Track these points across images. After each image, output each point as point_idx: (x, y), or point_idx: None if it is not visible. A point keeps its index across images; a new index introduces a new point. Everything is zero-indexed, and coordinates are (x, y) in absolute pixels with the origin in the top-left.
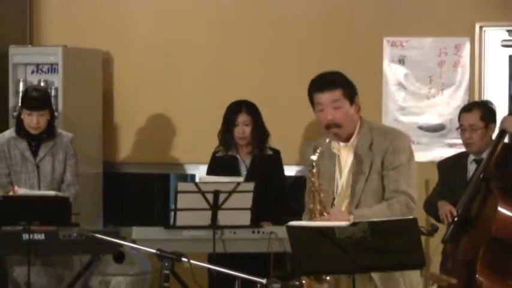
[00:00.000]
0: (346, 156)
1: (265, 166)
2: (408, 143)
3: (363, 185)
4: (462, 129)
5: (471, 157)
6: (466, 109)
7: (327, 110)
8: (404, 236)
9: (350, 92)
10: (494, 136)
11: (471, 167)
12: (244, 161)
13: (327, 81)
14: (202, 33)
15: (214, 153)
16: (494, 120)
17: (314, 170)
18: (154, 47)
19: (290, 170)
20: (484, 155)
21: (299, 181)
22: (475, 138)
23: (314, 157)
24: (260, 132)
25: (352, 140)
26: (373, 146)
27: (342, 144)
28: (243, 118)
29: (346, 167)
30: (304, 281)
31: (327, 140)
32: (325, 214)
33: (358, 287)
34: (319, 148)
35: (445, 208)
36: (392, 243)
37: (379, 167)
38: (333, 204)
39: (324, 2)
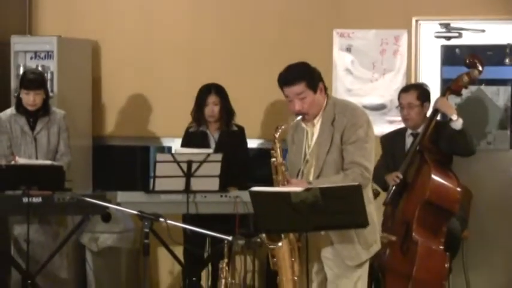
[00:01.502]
0: (312, 131)
1: (231, 140)
2: (365, 118)
3: (325, 157)
4: (401, 107)
5: (409, 131)
6: (405, 90)
7: (294, 101)
8: (350, 200)
9: (312, 82)
10: (428, 114)
11: (409, 140)
12: (213, 136)
13: (290, 77)
14: (177, 26)
15: (187, 129)
16: (428, 100)
17: (277, 146)
18: (136, 38)
19: (253, 143)
20: (420, 130)
21: (260, 152)
22: (412, 114)
23: (276, 135)
24: (227, 111)
25: (318, 117)
26: (335, 121)
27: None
28: (212, 99)
29: (312, 140)
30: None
31: (298, 118)
32: (286, 183)
33: (314, 240)
34: (282, 126)
35: (392, 175)
36: (339, 206)
37: (339, 141)
38: (299, 172)
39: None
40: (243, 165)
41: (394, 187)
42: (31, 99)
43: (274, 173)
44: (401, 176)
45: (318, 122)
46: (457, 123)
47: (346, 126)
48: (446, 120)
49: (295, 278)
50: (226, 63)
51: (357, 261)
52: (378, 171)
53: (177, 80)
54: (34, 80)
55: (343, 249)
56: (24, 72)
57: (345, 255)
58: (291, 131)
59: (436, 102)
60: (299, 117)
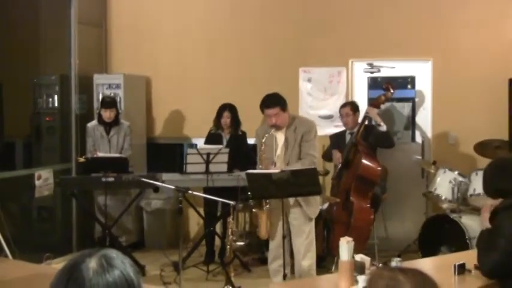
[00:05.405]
0: (280, 136)
1: (237, 140)
2: (314, 127)
3: (290, 152)
4: (341, 116)
5: (348, 132)
6: (343, 105)
7: (271, 117)
8: (310, 177)
9: (284, 106)
10: (359, 119)
11: (348, 137)
12: (226, 137)
13: (271, 102)
14: (202, 64)
15: (209, 132)
16: (358, 111)
17: (262, 147)
18: (174, 74)
19: (251, 141)
20: (355, 130)
21: (255, 147)
22: (348, 120)
23: (264, 139)
24: (236, 122)
25: (284, 128)
26: (296, 129)
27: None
28: (226, 114)
29: (280, 142)
30: (253, 208)
31: (272, 131)
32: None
33: (287, 204)
34: (267, 135)
35: (337, 155)
36: (303, 181)
37: (299, 141)
38: (274, 163)
39: (267, 46)
40: (244, 156)
41: (338, 168)
42: (107, 115)
43: (259, 162)
44: (341, 160)
45: (283, 131)
46: (383, 127)
47: (305, 132)
48: (373, 124)
49: (267, 229)
50: (236, 88)
51: (315, 215)
52: (326, 155)
53: (202, 99)
54: (109, 102)
55: (307, 209)
56: (103, 97)
57: (308, 212)
58: (262, 136)
59: (368, 111)
60: (274, 129)
